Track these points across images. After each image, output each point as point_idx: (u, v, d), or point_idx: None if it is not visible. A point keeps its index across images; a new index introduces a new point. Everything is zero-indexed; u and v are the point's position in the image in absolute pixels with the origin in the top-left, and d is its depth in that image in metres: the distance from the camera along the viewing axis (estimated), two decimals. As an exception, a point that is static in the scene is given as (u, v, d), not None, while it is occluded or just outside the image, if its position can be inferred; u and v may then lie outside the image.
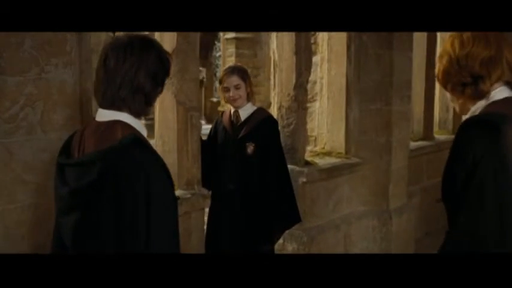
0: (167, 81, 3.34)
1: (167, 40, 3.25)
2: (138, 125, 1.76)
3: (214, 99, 18.88)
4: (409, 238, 5.32)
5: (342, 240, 4.75)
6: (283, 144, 4.39)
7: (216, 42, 20.31)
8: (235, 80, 3.34)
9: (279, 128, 4.40)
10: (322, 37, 5.12)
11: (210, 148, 3.51)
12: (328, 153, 5.01)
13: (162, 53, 1.80)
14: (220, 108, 11.13)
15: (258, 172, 3.34)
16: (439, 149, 6.43)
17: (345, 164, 4.84)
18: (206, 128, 4.39)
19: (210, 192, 3.56)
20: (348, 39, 4.88)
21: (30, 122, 2.32)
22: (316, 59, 5.35)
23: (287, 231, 3.78)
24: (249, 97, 3.41)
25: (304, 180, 4.35)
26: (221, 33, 14.74)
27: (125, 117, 1.73)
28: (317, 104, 5.36)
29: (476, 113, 1.84)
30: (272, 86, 4.57)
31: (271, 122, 3.44)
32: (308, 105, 5.49)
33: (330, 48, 5.00)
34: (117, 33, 2.34)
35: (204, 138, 3.57)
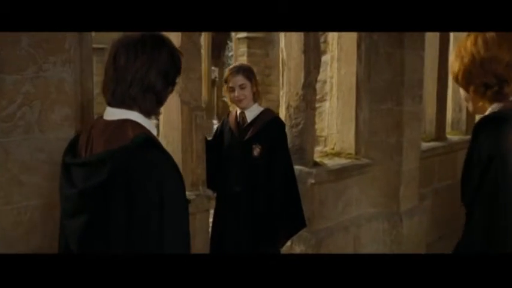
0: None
1: (171, 39, 3.18)
2: (149, 124, 1.70)
3: (226, 99, 18.81)
4: (420, 241, 5.22)
5: (351, 243, 4.66)
6: (291, 145, 4.33)
7: (228, 41, 20.26)
8: (240, 79, 3.26)
9: (287, 128, 4.33)
10: (332, 36, 5.03)
11: (214, 148, 3.44)
12: (338, 154, 4.93)
13: (174, 51, 1.75)
14: (231, 109, 11.06)
15: (264, 175, 3.25)
16: (452, 150, 6.32)
17: (355, 165, 4.75)
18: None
19: (215, 194, 3.48)
20: (358, 38, 4.79)
21: (28, 122, 2.27)
22: (326, 58, 5.27)
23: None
24: (256, 97, 3.33)
25: (313, 181, 4.27)
26: (233, 33, 14.69)
27: (135, 116, 1.67)
28: (327, 103, 5.28)
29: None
30: (280, 85, 4.49)
31: (278, 123, 3.36)
32: (318, 105, 5.42)
33: (340, 47, 4.92)
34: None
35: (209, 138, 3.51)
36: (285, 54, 4.36)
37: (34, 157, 2.30)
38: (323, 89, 5.36)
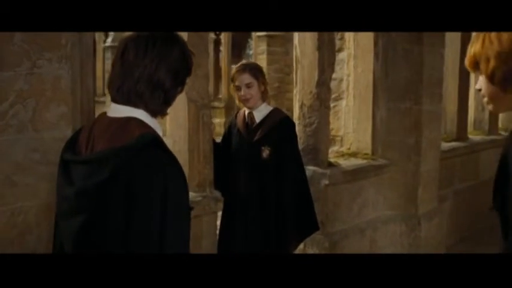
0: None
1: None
2: (155, 124, 1.62)
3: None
4: (439, 244, 5.05)
5: (367, 246, 4.51)
6: (304, 145, 4.21)
7: (249, 40, 20.17)
8: (246, 78, 3.13)
9: (300, 127, 4.21)
10: (348, 33, 4.89)
11: (223, 151, 3.32)
12: (354, 154, 4.79)
13: (186, 50, 1.66)
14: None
15: (274, 177, 3.12)
16: (473, 150, 6.14)
17: (371, 165, 4.60)
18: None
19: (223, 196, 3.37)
20: (375, 34, 4.65)
21: (21, 120, 2.19)
22: (343, 55, 5.14)
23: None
24: (264, 97, 3.20)
25: (327, 182, 4.14)
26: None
27: (140, 114, 1.59)
28: (343, 102, 5.14)
29: None
30: (294, 83, 4.36)
31: (288, 123, 3.22)
32: (334, 103, 5.29)
33: (356, 44, 4.78)
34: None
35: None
36: (298, 51, 4.24)
37: (27, 157, 2.21)
38: (339, 87, 5.23)
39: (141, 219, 1.47)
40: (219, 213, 3.37)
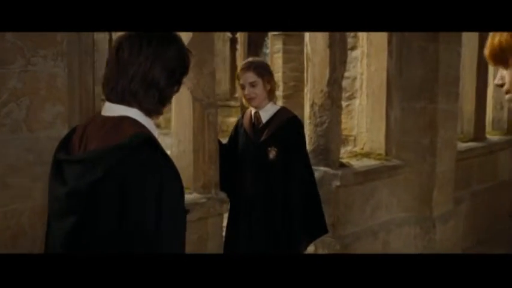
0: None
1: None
2: (149, 123, 1.57)
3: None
4: (454, 247, 4.91)
5: (379, 249, 4.39)
6: (315, 145, 4.10)
7: (265, 38, 20.07)
8: (250, 76, 3.02)
9: (311, 127, 4.11)
10: (362, 30, 4.78)
11: (229, 152, 3.23)
12: (367, 155, 4.67)
13: (182, 48, 1.61)
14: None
15: (281, 179, 3.02)
16: (491, 150, 5.97)
17: (384, 166, 4.48)
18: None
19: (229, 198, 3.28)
20: (389, 32, 4.51)
21: (15, 120, 2.12)
22: (356, 53, 5.04)
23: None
24: (271, 96, 3.09)
25: (338, 183, 4.03)
26: (269, 29, 14.48)
27: (134, 113, 1.54)
28: (357, 101, 5.04)
29: None
30: (305, 82, 4.25)
31: (295, 123, 3.10)
32: (348, 102, 5.18)
33: (369, 42, 4.65)
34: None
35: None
36: (309, 49, 4.13)
37: (21, 158, 2.15)
38: (353, 86, 5.13)
39: (135, 219, 1.41)
40: (225, 215, 3.28)
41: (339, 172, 4.06)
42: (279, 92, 14.43)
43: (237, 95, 15.90)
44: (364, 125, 4.80)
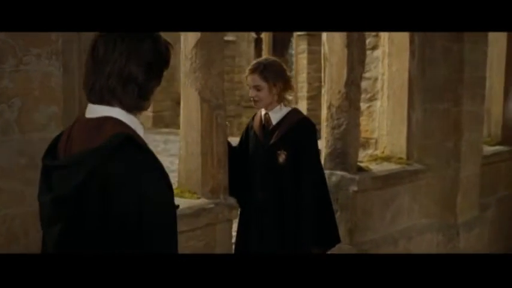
0: (191, 77, 3.01)
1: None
2: (133, 121, 1.52)
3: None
4: (480, 256, 4.71)
5: (399, 257, 4.23)
6: (332, 148, 3.96)
7: (291, 39, 19.95)
8: (255, 79, 2.88)
9: (328, 129, 3.97)
10: (383, 29, 4.61)
11: (239, 155, 3.10)
12: (388, 159, 4.50)
13: (158, 42, 1.55)
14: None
15: (291, 184, 2.88)
16: (520, 154, 5.73)
17: (405, 171, 4.31)
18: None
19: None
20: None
21: (6, 121, 2.04)
22: (377, 53, 4.87)
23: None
24: (280, 98, 2.95)
25: (355, 188, 3.87)
26: (294, 30, 14.34)
27: (117, 113, 1.50)
28: (378, 103, 4.86)
29: None
30: (322, 82, 4.11)
31: (306, 125, 2.96)
32: (368, 104, 5.01)
33: (391, 41, 4.49)
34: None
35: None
36: (326, 48, 3.98)
37: (13, 161, 2.06)
38: (374, 87, 4.96)
39: (117, 225, 1.38)
40: (235, 221, 3.16)
41: (356, 177, 3.91)
42: (304, 93, 14.29)
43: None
44: (385, 128, 4.64)
